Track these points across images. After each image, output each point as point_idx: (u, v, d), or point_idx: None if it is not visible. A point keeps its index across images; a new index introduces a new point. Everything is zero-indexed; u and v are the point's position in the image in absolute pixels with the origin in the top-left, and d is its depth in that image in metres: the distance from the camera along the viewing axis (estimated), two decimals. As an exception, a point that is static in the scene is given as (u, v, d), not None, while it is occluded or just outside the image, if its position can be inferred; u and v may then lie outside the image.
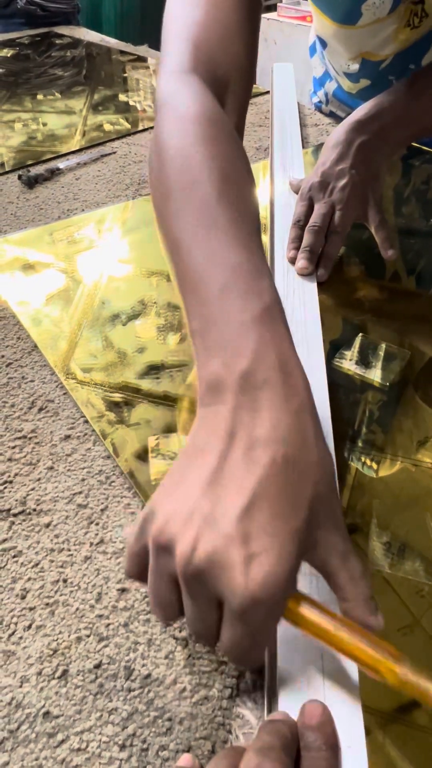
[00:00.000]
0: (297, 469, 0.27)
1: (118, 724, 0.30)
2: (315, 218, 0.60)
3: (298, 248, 0.60)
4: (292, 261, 0.60)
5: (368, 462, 0.43)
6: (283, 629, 0.31)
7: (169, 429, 0.45)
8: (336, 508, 0.28)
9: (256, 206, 0.39)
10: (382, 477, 0.42)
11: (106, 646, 0.33)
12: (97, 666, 0.33)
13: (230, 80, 0.48)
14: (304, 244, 0.59)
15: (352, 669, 0.30)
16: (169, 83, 0.46)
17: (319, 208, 0.61)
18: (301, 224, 0.61)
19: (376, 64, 0.79)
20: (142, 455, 0.43)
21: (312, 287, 0.57)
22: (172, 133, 0.41)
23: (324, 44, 0.87)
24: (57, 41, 1.48)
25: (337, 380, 0.50)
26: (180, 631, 0.34)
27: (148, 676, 0.32)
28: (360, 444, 0.44)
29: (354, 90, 0.88)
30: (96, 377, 0.50)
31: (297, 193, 0.68)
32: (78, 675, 0.32)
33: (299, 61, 2.17)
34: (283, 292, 0.56)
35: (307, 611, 0.27)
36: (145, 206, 0.75)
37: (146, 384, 0.49)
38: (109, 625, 0.34)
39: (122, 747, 0.29)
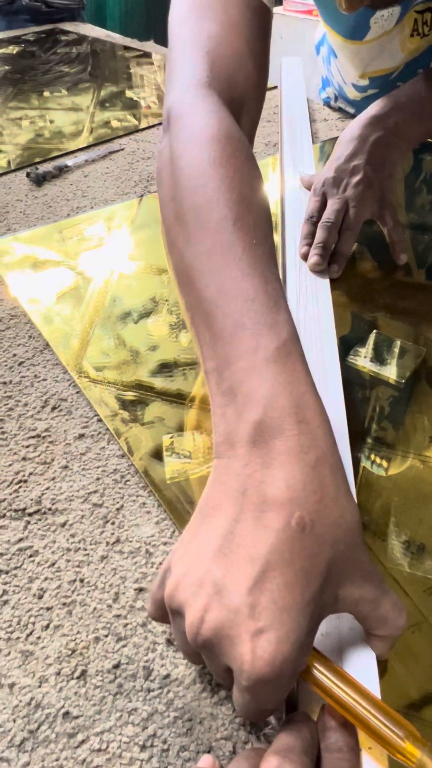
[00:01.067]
0: (313, 533, 0.25)
1: (138, 724, 0.30)
2: (328, 214, 0.60)
3: (310, 244, 0.59)
4: (305, 257, 0.59)
5: (378, 460, 0.43)
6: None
7: (183, 427, 0.45)
8: (362, 559, 0.27)
9: (271, 229, 0.36)
10: (392, 475, 0.42)
11: (124, 646, 0.33)
12: (116, 666, 0.32)
13: (246, 100, 0.46)
14: (317, 240, 0.59)
15: (372, 669, 0.30)
16: (184, 96, 0.43)
17: (332, 204, 0.61)
18: (314, 220, 0.61)
19: (386, 76, 0.78)
20: (157, 454, 0.43)
21: (325, 283, 0.57)
22: (189, 151, 0.39)
23: (334, 53, 0.86)
24: (62, 38, 1.48)
25: (351, 377, 0.49)
26: (198, 631, 0.34)
27: (168, 676, 0.32)
28: (370, 442, 0.44)
29: (359, 98, 0.87)
30: (109, 375, 0.50)
31: (308, 188, 0.67)
32: (97, 675, 0.32)
33: (306, 55, 2.16)
34: (295, 288, 0.56)
35: (319, 676, 0.27)
36: (154, 203, 0.74)
37: (159, 382, 0.49)
38: (127, 624, 0.34)
39: (143, 747, 0.29)
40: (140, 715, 0.31)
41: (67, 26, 1.58)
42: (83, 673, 0.32)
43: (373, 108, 0.64)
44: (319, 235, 0.59)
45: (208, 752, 0.29)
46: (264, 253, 0.33)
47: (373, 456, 0.43)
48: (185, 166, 0.38)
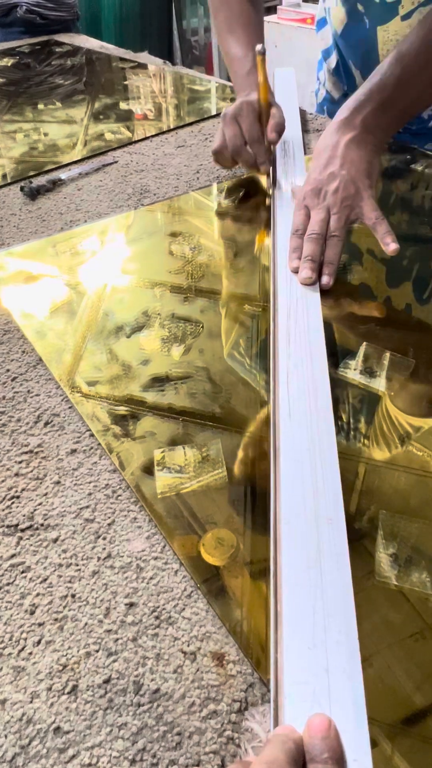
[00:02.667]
0: None
1: (128, 739, 0.31)
2: (312, 226, 0.61)
3: (299, 258, 0.60)
4: (295, 271, 0.60)
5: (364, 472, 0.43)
6: (291, 647, 0.31)
7: (175, 442, 0.46)
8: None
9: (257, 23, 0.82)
10: (380, 487, 0.42)
11: (115, 661, 0.34)
12: (107, 681, 0.33)
13: None
14: (305, 253, 0.59)
15: (358, 682, 0.30)
16: None
17: (315, 215, 0.61)
18: (300, 233, 0.62)
19: None
20: (148, 469, 0.44)
21: (315, 296, 0.57)
22: None
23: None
24: (57, 49, 1.49)
25: (341, 389, 0.50)
26: (188, 645, 0.34)
27: (157, 690, 0.32)
28: (364, 455, 0.45)
29: (339, 27, 0.87)
30: (101, 390, 0.50)
31: None
32: (88, 690, 0.33)
33: (301, 64, 2.18)
34: (286, 300, 0.57)
35: None
36: (147, 216, 0.75)
37: (151, 396, 0.50)
38: (117, 639, 0.35)
39: (132, 762, 0.30)
40: (130, 729, 0.31)
41: (62, 38, 1.59)
42: (74, 688, 0.33)
43: (340, 114, 0.66)
44: (307, 248, 0.59)
45: (197, 766, 0.30)
46: (249, 36, 0.79)
47: (365, 468, 0.44)
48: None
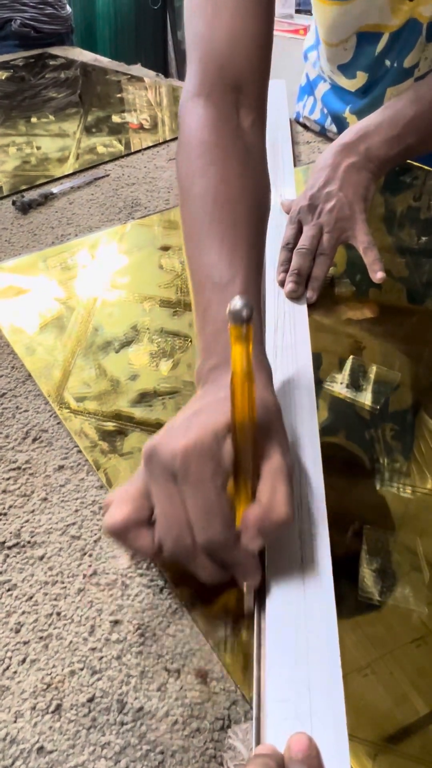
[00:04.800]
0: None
1: (110, 758, 0.31)
2: (303, 241, 0.61)
3: (287, 271, 0.61)
4: (282, 284, 0.60)
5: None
6: (273, 664, 0.31)
7: (161, 457, 0.46)
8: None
9: (250, 215, 0.46)
10: (364, 502, 0.43)
11: (99, 679, 0.34)
12: (90, 700, 0.33)
13: (242, 81, 0.52)
14: (293, 267, 0.60)
15: (339, 700, 0.30)
16: (181, 111, 0.53)
17: (307, 231, 0.62)
18: (290, 247, 0.62)
19: (371, 50, 0.79)
20: (135, 484, 0.44)
21: (302, 310, 0.58)
22: (181, 160, 0.50)
23: (319, 39, 0.88)
24: (51, 62, 1.50)
25: (328, 403, 0.50)
26: (172, 663, 0.34)
27: (141, 709, 0.33)
28: (350, 468, 0.45)
29: (352, 88, 0.88)
30: (89, 406, 0.51)
31: (288, 213, 0.69)
32: (71, 709, 0.33)
33: (294, 74, 2.19)
34: (273, 314, 0.57)
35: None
36: (138, 230, 0.76)
37: (139, 412, 0.50)
38: (102, 658, 0.35)
39: (115, 782, 0.30)
40: (113, 748, 0.31)
41: (56, 51, 1.60)
42: (58, 707, 0.33)
43: (345, 136, 0.66)
44: (295, 261, 0.60)
45: (179, 785, 0.30)
46: (236, 239, 0.44)
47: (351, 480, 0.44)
48: (180, 173, 0.50)
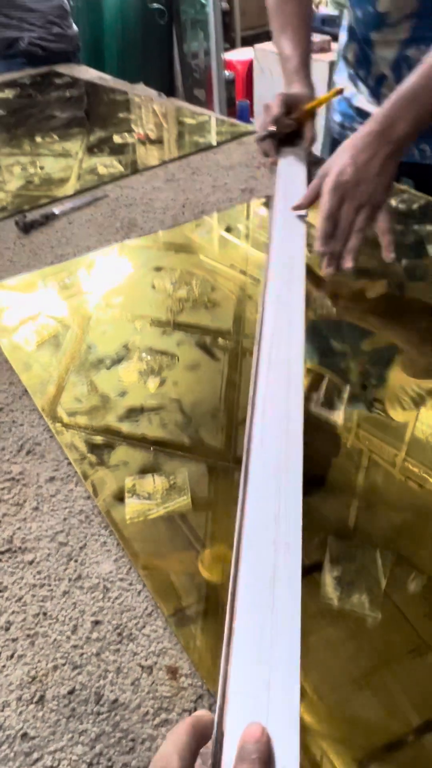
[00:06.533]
0: None
1: (87, 744, 0.34)
2: (348, 215, 0.68)
3: (328, 244, 0.68)
4: (322, 255, 0.68)
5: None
6: (239, 661, 0.35)
7: (145, 470, 0.50)
8: None
9: (306, 26, 0.91)
10: (327, 515, 0.46)
11: (79, 673, 0.37)
12: (71, 692, 0.37)
13: None
14: (333, 248, 0.68)
15: (294, 698, 0.34)
16: None
17: (350, 205, 0.68)
18: (332, 219, 0.68)
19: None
20: (120, 495, 0.48)
21: (298, 327, 0.58)
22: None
23: (355, 38, 0.94)
24: (57, 81, 1.55)
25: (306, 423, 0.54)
26: (146, 660, 0.38)
27: (116, 700, 0.36)
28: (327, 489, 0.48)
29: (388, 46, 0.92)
30: (80, 421, 0.54)
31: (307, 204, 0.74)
32: (53, 700, 0.36)
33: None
34: (270, 327, 0.57)
35: None
36: (133, 250, 0.80)
37: (126, 427, 0.54)
38: (82, 654, 0.38)
39: (90, 765, 0.33)
40: (89, 735, 0.35)
41: (62, 68, 1.65)
42: (41, 698, 0.36)
43: (374, 123, 0.69)
44: (335, 243, 0.68)
45: (147, 765, 0.33)
46: (297, 39, 0.89)
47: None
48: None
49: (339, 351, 0.62)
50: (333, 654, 0.38)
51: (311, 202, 0.72)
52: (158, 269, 0.75)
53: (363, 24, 0.90)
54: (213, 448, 0.51)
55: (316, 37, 2.22)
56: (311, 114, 0.88)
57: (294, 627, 0.37)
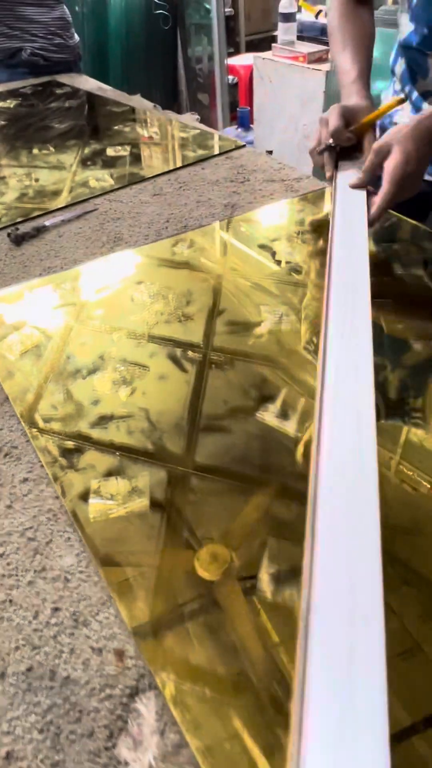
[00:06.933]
0: None
1: (39, 714, 0.39)
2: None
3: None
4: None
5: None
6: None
7: (110, 473, 0.54)
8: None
9: (366, 46, 0.96)
10: (266, 513, 0.51)
11: (37, 653, 0.42)
12: (29, 669, 0.42)
13: None
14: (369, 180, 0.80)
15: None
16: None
17: (401, 198, 0.76)
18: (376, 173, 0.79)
19: None
20: (85, 496, 0.52)
21: (366, 356, 0.55)
22: (331, 13, 1.00)
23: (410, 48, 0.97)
24: (57, 90, 1.60)
25: (260, 433, 0.58)
26: (97, 643, 0.43)
27: (68, 677, 0.41)
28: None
29: None
30: (55, 426, 0.59)
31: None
32: (13, 676, 0.41)
33: (294, 99, 2.29)
34: (336, 363, 0.55)
35: None
36: (117, 264, 0.84)
37: (96, 433, 0.59)
38: (41, 636, 0.43)
39: (40, 731, 0.38)
40: (42, 707, 0.40)
41: (63, 78, 1.70)
42: (2, 674, 0.41)
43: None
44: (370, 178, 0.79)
45: (91, 734, 0.38)
46: (357, 57, 0.93)
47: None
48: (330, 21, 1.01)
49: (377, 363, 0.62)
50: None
51: (370, 180, 0.79)
52: (139, 283, 0.80)
53: (423, 41, 0.93)
54: (174, 455, 0.56)
55: (314, 47, 2.26)
56: (371, 126, 0.88)
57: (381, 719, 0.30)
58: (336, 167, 0.88)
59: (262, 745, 0.37)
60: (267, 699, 0.39)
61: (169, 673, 0.41)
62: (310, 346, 0.68)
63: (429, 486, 0.52)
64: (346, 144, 0.87)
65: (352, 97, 0.89)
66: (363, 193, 0.82)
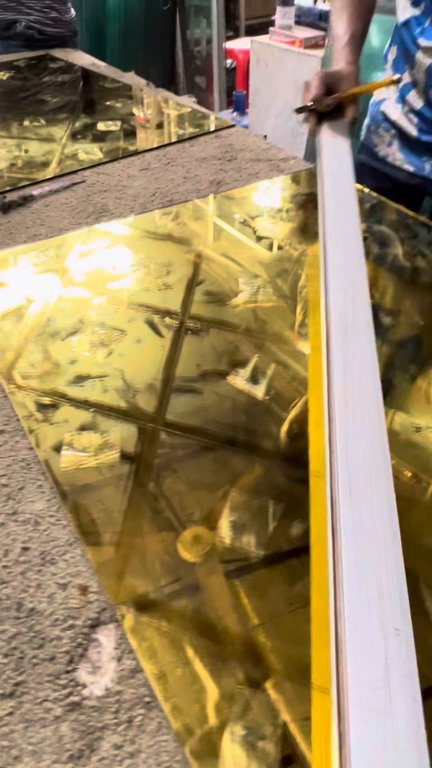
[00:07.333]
0: None
1: (5, 640, 0.42)
2: None
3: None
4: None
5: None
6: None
7: (84, 428, 0.57)
8: None
9: (362, 15, 0.97)
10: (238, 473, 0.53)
11: (6, 587, 0.45)
12: (-3, 601, 0.44)
13: None
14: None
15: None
16: None
17: None
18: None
19: None
20: (58, 448, 0.55)
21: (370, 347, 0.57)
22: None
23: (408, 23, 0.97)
24: (51, 65, 1.60)
25: (230, 395, 0.61)
26: (62, 579, 0.45)
27: (33, 609, 0.44)
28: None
29: None
30: (32, 383, 0.61)
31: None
32: (-19, 606, 0.44)
33: (289, 84, 2.29)
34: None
35: None
36: (100, 234, 0.86)
37: (71, 390, 0.61)
38: (10, 573, 0.46)
39: (5, 655, 0.41)
40: (8, 634, 0.42)
41: (58, 53, 1.70)
42: (-28, 604, 0.44)
43: None
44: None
45: (52, 660, 0.41)
46: (351, 24, 0.95)
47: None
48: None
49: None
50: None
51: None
52: (121, 252, 0.82)
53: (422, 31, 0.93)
54: (145, 412, 0.58)
55: (311, 33, 2.27)
56: (354, 98, 0.92)
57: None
58: (318, 124, 0.94)
59: (212, 671, 0.40)
60: (221, 631, 0.42)
61: (129, 606, 0.43)
62: (303, 330, 0.69)
63: (409, 474, 0.54)
64: (326, 110, 0.92)
65: (339, 63, 0.93)
66: (346, 145, 0.88)
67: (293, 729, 0.37)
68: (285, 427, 0.57)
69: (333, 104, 0.92)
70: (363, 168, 1.12)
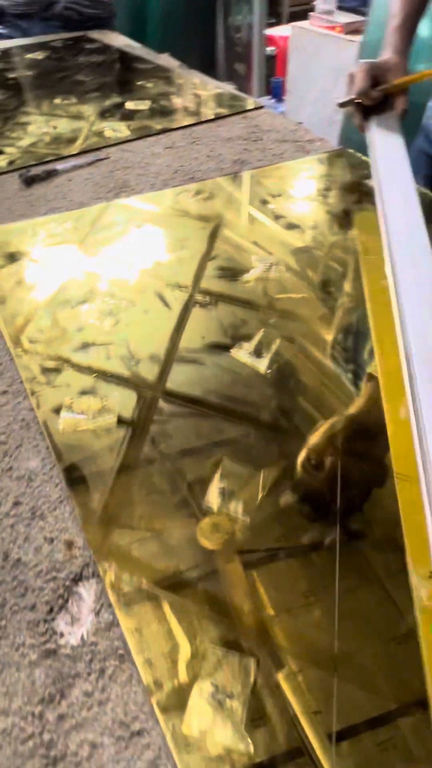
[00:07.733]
0: None
1: (-11, 587, 0.43)
2: None
3: None
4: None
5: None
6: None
7: (84, 392, 0.57)
8: None
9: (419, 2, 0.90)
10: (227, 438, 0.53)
11: (-6, 538, 0.46)
12: (-15, 550, 0.45)
13: None
14: None
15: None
16: None
17: None
18: None
19: None
20: (58, 410, 0.56)
21: None
22: None
23: None
24: (87, 46, 1.61)
25: (231, 367, 0.61)
26: (50, 533, 0.46)
27: (19, 560, 0.45)
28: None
29: None
30: (39, 348, 0.62)
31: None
32: (-30, 555, 0.45)
33: (327, 71, 2.26)
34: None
35: None
36: (119, 209, 0.87)
37: (75, 357, 0.62)
38: (0, 524, 0.47)
39: (-12, 602, 0.42)
40: (-8, 582, 0.43)
41: (95, 34, 1.71)
42: (-39, 552, 0.45)
43: None
44: None
45: (33, 607, 0.42)
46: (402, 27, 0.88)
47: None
48: None
49: (280, 310, 0.68)
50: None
51: None
52: (138, 226, 0.83)
53: None
54: (146, 380, 0.59)
55: (352, 18, 2.23)
56: (403, 89, 0.85)
57: None
58: (366, 119, 0.87)
59: (187, 629, 0.40)
60: (200, 592, 0.42)
61: (112, 563, 0.44)
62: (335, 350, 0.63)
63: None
64: (373, 103, 0.86)
65: (386, 51, 0.87)
66: (400, 142, 0.82)
67: (303, 721, 0.36)
68: (302, 456, 0.52)
69: (380, 97, 0.85)
70: (420, 156, 1.07)
